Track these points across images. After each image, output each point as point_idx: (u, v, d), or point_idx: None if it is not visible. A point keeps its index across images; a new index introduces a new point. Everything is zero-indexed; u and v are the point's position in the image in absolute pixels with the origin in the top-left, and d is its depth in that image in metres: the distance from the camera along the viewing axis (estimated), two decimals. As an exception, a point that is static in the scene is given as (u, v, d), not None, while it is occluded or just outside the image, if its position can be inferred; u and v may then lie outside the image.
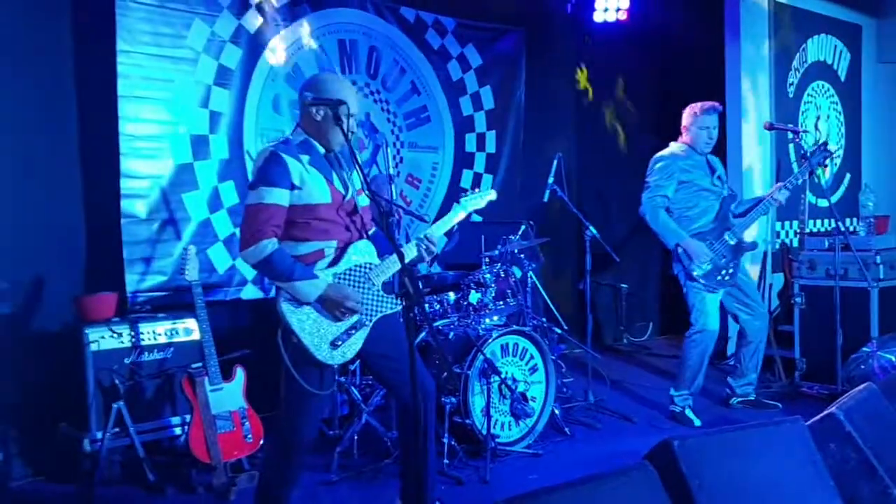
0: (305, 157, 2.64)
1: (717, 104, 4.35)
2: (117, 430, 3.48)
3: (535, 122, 6.10)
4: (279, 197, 2.57)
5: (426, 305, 4.12)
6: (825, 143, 4.34)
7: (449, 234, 4.74)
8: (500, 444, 3.76)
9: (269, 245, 2.56)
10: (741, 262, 4.37)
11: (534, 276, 4.74)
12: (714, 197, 4.32)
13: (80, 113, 3.97)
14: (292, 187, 2.59)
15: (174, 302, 4.11)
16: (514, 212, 5.76)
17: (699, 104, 4.34)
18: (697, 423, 4.26)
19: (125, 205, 4.02)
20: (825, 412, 2.64)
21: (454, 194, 5.69)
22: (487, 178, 5.84)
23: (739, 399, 4.56)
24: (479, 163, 5.82)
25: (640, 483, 2.16)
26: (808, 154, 4.26)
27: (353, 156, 2.54)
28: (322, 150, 2.71)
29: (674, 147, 4.41)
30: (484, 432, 3.66)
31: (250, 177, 2.73)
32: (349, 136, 2.64)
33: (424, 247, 2.81)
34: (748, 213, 4.30)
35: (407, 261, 2.82)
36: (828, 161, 4.30)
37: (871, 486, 2.50)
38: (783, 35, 6.02)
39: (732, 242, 4.26)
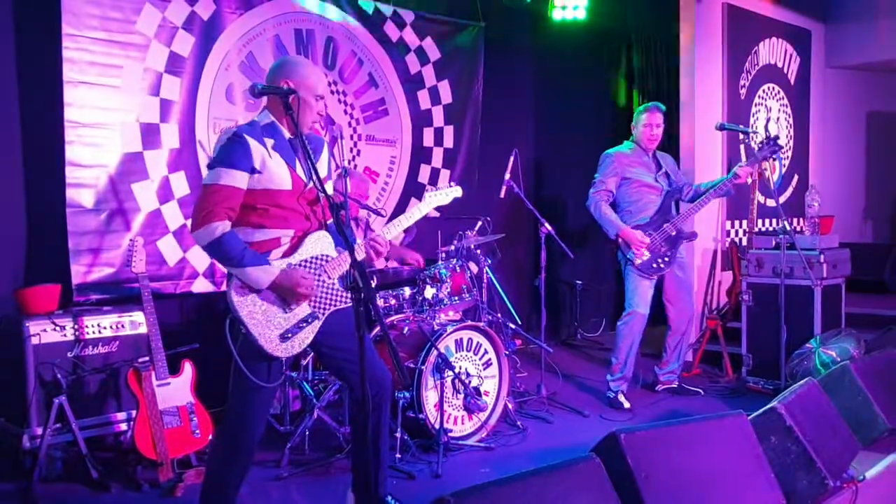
0: (270, 141, 2.58)
1: (659, 104, 4.64)
2: (59, 425, 3.37)
3: (493, 117, 6.11)
4: (236, 179, 2.50)
5: (381, 300, 4.11)
6: (776, 138, 4.48)
7: (407, 229, 4.73)
8: (453, 439, 3.76)
9: (220, 227, 2.50)
10: (678, 251, 4.59)
11: (490, 272, 4.75)
12: (656, 193, 4.58)
13: (22, 99, 3.85)
14: (252, 171, 2.53)
15: (122, 294, 4.01)
16: (472, 207, 5.75)
17: (644, 104, 4.70)
18: (626, 405, 4.51)
19: (71, 194, 3.90)
20: (767, 407, 2.71)
21: (412, 189, 5.69)
22: (445, 174, 5.84)
23: (663, 386, 4.82)
24: (437, 157, 5.81)
25: (587, 476, 2.18)
26: (757, 148, 4.43)
27: (302, 145, 2.49)
28: (288, 135, 2.65)
29: (623, 145, 4.68)
30: (437, 427, 3.66)
31: (203, 165, 2.66)
32: (306, 124, 2.61)
33: (371, 248, 2.76)
34: (691, 204, 4.54)
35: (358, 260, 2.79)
36: (775, 156, 4.45)
37: (810, 478, 2.57)
38: (736, 38, 6.14)
39: (672, 233, 4.50)
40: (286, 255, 2.62)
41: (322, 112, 2.69)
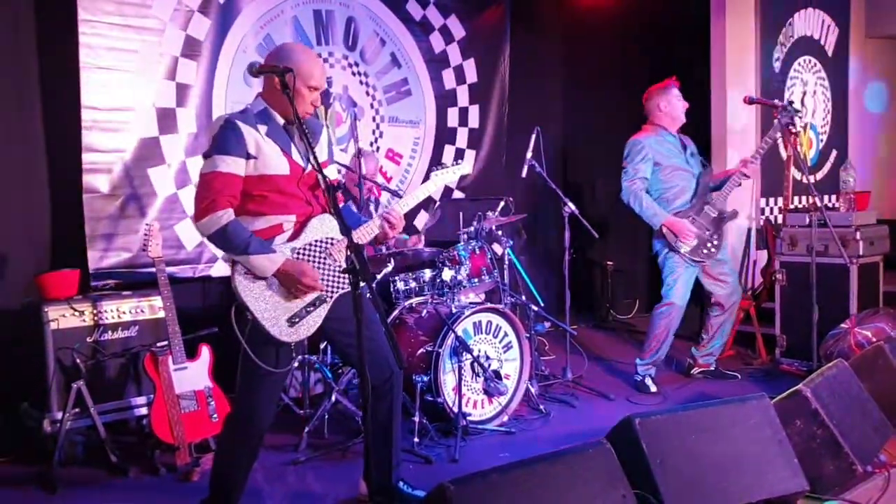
0: (263, 127, 2.54)
1: (672, 80, 4.47)
2: (77, 410, 3.39)
3: (520, 97, 5.98)
4: (234, 165, 2.47)
5: (401, 283, 4.06)
6: (790, 103, 4.29)
7: (432, 212, 4.68)
8: (473, 423, 3.70)
9: (225, 215, 2.46)
10: (724, 233, 4.45)
11: (511, 253, 4.66)
12: (689, 175, 4.41)
13: (43, 85, 3.87)
14: (248, 156, 2.49)
15: (139, 279, 4.02)
16: (500, 188, 5.66)
17: (657, 86, 4.44)
18: (653, 389, 4.42)
19: (87, 179, 3.93)
20: (792, 389, 2.59)
21: (436, 170, 5.60)
22: (470, 154, 5.75)
23: (700, 369, 4.67)
24: (462, 138, 5.72)
25: (597, 462, 2.10)
26: (775, 117, 4.25)
27: (301, 131, 2.43)
28: (281, 121, 2.61)
29: (646, 129, 4.47)
30: (455, 410, 3.60)
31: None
32: (305, 108, 2.55)
33: (386, 222, 2.71)
34: (722, 186, 4.37)
35: (371, 238, 2.73)
36: (796, 121, 4.25)
37: (837, 463, 2.45)
38: (769, 9, 5.90)
39: (714, 215, 4.35)
40: (290, 240, 2.58)
41: (316, 103, 2.63)
